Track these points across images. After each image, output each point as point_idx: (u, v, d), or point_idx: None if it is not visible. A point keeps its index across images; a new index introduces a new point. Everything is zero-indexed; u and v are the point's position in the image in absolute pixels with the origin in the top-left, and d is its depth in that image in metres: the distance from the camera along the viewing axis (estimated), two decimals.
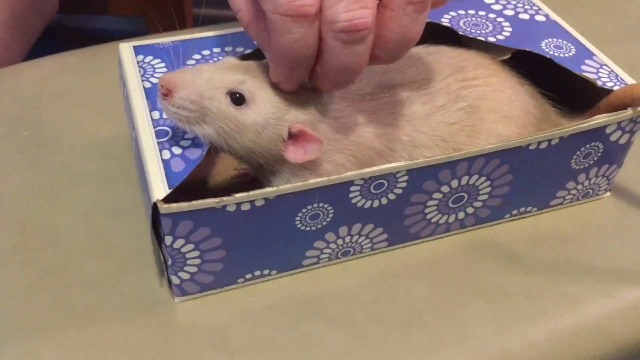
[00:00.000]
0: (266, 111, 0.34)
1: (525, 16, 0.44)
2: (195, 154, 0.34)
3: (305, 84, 0.35)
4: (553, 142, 0.37)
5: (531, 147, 0.37)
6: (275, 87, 0.34)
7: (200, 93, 0.33)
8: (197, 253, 0.34)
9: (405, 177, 0.35)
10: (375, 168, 0.34)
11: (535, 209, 0.42)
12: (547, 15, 0.45)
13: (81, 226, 0.41)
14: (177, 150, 0.34)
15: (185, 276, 0.35)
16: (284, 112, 0.34)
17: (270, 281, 0.38)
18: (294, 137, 0.34)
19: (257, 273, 0.37)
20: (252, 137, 0.34)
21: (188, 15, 0.82)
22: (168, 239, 0.33)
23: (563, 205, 0.43)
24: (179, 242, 0.33)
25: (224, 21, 0.51)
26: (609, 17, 0.60)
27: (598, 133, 0.38)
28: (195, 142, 0.35)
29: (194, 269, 0.35)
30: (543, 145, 0.37)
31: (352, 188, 0.34)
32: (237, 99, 0.34)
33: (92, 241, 0.40)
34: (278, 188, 0.33)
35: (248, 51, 0.40)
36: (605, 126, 0.38)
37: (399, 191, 0.36)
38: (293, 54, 0.31)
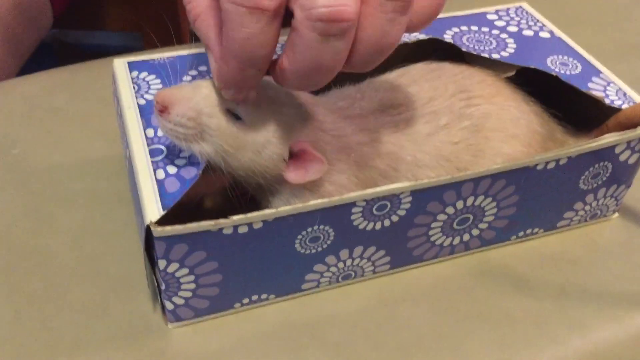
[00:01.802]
0: (266, 129, 0.33)
1: (530, 32, 0.44)
2: (191, 173, 0.33)
3: (306, 100, 0.34)
4: (561, 162, 0.36)
5: (539, 167, 0.36)
6: (277, 104, 0.33)
7: (199, 109, 0.32)
8: (192, 277, 0.33)
9: (409, 198, 0.34)
10: (378, 189, 0.33)
11: (541, 230, 0.41)
12: (551, 32, 0.44)
13: (70, 249, 0.39)
14: (172, 170, 0.33)
15: (180, 301, 0.34)
16: (285, 131, 0.33)
17: (268, 306, 0.37)
18: (295, 156, 0.33)
19: (255, 298, 0.36)
20: (252, 156, 0.32)
21: (185, 31, 0.82)
22: (162, 263, 0.32)
23: (570, 227, 0.42)
24: (173, 266, 0.32)
25: None
26: (610, 34, 0.59)
27: (607, 153, 0.37)
28: (191, 161, 0.33)
29: (189, 294, 0.34)
30: (551, 165, 0.36)
31: (354, 209, 0.33)
32: (237, 116, 0.32)
33: (81, 265, 0.38)
34: (277, 210, 0.31)
35: None
36: (615, 146, 0.37)
37: (402, 212, 0.35)
38: (246, 51, 0.28)
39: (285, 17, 0.28)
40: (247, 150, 0.32)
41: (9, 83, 0.53)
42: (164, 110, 0.32)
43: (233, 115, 0.32)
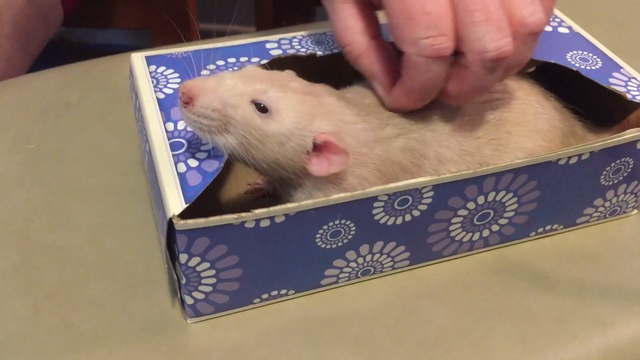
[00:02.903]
0: (290, 121, 0.32)
1: (548, 28, 0.43)
2: (213, 166, 0.32)
3: (330, 93, 0.34)
4: (583, 157, 0.36)
5: (561, 162, 0.36)
6: (300, 96, 0.33)
7: (224, 101, 0.32)
8: (212, 272, 0.33)
9: (431, 193, 0.34)
10: (400, 183, 0.33)
11: (561, 226, 0.40)
12: (570, 27, 0.44)
13: (88, 244, 0.39)
14: (193, 163, 0.33)
15: (200, 296, 0.34)
16: (309, 123, 0.33)
17: (287, 301, 0.36)
18: (318, 148, 0.33)
19: (274, 293, 0.36)
20: (276, 147, 0.32)
21: (193, 29, 0.81)
22: (183, 257, 0.31)
23: (590, 223, 0.41)
24: (194, 260, 0.32)
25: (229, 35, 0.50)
26: (627, 31, 0.59)
27: (629, 148, 0.37)
28: (212, 154, 0.33)
29: (209, 289, 0.33)
30: (573, 161, 0.36)
31: (376, 204, 0.33)
32: (262, 108, 0.32)
33: (99, 259, 0.38)
34: (299, 204, 0.31)
35: (264, 61, 0.39)
36: (637, 141, 0.37)
37: (423, 207, 0.34)
38: (428, 87, 0.34)
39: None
40: (271, 141, 0.32)
41: (23, 79, 0.53)
42: (189, 101, 0.32)
43: (257, 106, 0.32)
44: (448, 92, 0.34)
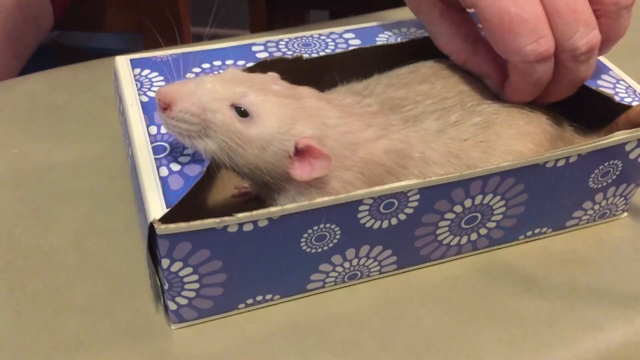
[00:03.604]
0: (271, 125, 0.32)
1: None
2: (195, 170, 0.32)
3: (312, 96, 0.33)
4: (571, 160, 0.36)
5: (548, 165, 0.35)
6: (281, 99, 0.32)
7: (203, 105, 0.31)
8: (195, 277, 0.32)
9: (417, 196, 0.33)
10: (385, 186, 0.32)
11: (550, 230, 0.40)
12: None
13: (72, 248, 0.39)
14: (175, 167, 0.32)
15: (183, 301, 0.33)
16: (290, 127, 0.32)
17: (273, 306, 0.36)
18: (300, 152, 0.32)
19: (259, 298, 0.35)
20: (257, 152, 0.32)
21: (186, 32, 0.81)
22: (165, 262, 0.31)
23: (579, 226, 0.41)
24: (177, 265, 0.31)
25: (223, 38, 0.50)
26: None
27: (617, 150, 0.37)
28: (195, 158, 0.33)
29: (192, 294, 0.33)
30: (561, 163, 0.36)
31: (361, 207, 0.33)
32: (242, 112, 0.32)
33: (83, 264, 0.38)
34: (283, 208, 0.31)
35: (250, 64, 0.39)
36: (625, 143, 0.36)
37: (409, 211, 0.34)
38: (538, 84, 0.36)
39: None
40: (252, 146, 0.32)
41: (9, 82, 0.52)
42: (166, 107, 0.31)
43: (238, 110, 0.32)
44: (548, 89, 0.37)
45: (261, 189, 0.35)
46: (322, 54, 0.40)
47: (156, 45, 0.42)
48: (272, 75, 0.34)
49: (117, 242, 0.39)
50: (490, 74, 0.38)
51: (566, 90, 0.37)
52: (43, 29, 0.67)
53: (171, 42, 0.44)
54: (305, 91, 0.34)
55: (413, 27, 0.43)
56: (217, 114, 0.31)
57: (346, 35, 0.42)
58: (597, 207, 0.40)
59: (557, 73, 0.36)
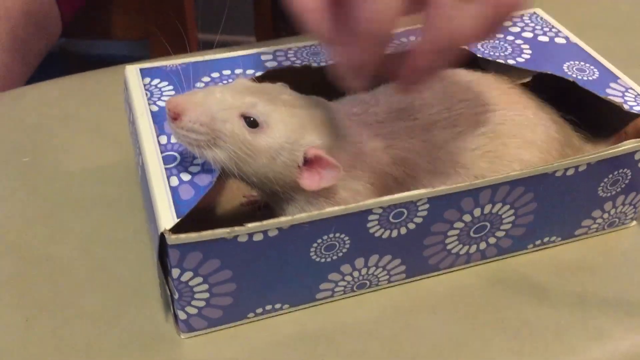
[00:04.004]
0: (280, 135, 0.32)
1: (545, 38, 0.43)
2: (205, 180, 0.32)
3: (321, 106, 0.34)
4: (580, 169, 0.36)
5: (558, 174, 0.35)
6: (290, 109, 0.33)
7: (212, 115, 0.31)
8: (205, 287, 0.32)
9: (426, 206, 0.33)
10: (395, 196, 0.32)
11: (559, 238, 0.40)
12: (567, 38, 0.43)
13: (82, 256, 0.39)
14: (185, 177, 0.32)
15: (193, 311, 0.33)
16: (299, 137, 0.32)
17: (282, 316, 0.36)
18: (309, 162, 0.32)
19: (268, 307, 0.35)
20: (266, 162, 0.32)
21: (192, 39, 0.81)
22: (175, 272, 0.31)
23: (588, 235, 0.41)
24: (187, 275, 0.31)
25: (230, 45, 0.50)
26: (625, 40, 0.59)
27: (626, 159, 0.37)
28: (205, 168, 0.33)
29: (202, 304, 0.33)
30: (570, 172, 0.36)
31: (371, 217, 0.33)
32: (251, 122, 0.32)
33: (93, 272, 0.38)
34: (293, 217, 0.31)
35: (259, 73, 0.39)
36: (634, 152, 0.36)
37: (419, 220, 0.34)
38: (373, 25, 0.28)
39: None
40: (261, 156, 0.32)
41: (19, 91, 0.53)
42: (176, 117, 0.31)
43: (247, 120, 0.32)
44: (417, 43, 0.30)
45: (270, 199, 0.35)
46: (330, 63, 0.40)
47: (163, 52, 0.42)
48: (281, 85, 0.35)
49: (127, 251, 0.39)
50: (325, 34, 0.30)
51: (438, 51, 0.29)
52: (51, 36, 0.67)
53: (178, 48, 0.44)
54: (314, 101, 0.34)
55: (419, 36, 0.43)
56: (227, 123, 0.31)
57: None
58: (606, 215, 0.40)
59: (430, 17, 0.28)
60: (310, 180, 0.32)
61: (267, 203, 0.40)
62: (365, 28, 0.28)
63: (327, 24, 0.30)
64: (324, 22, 0.30)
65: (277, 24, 0.90)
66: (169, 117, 0.32)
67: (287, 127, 0.32)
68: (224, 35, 0.43)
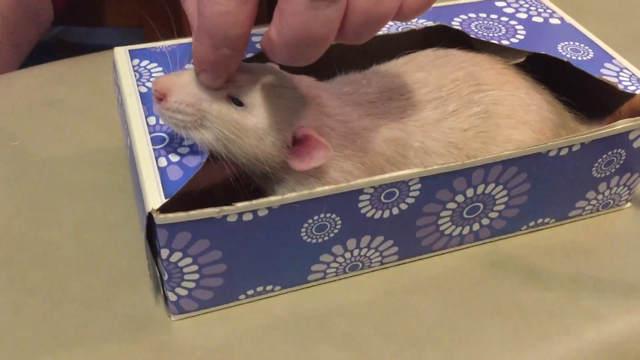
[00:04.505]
0: (268, 115, 0.32)
1: (539, 19, 0.43)
2: (194, 161, 0.32)
3: (310, 85, 0.33)
4: (574, 149, 0.35)
5: (551, 154, 0.35)
6: (279, 89, 0.32)
7: (198, 95, 0.31)
8: (195, 267, 0.32)
9: (418, 186, 0.33)
10: (386, 175, 0.32)
11: (553, 220, 0.40)
12: (561, 18, 0.43)
13: (71, 240, 0.38)
14: (174, 158, 0.32)
15: (183, 292, 0.33)
16: (288, 116, 0.32)
17: (274, 298, 0.36)
18: (298, 142, 0.32)
19: (260, 289, 0.35)
20: (254, 142, 0.32)
21: (186, 26, 0.81)
22: (164, 252, 0.31)
23: (582, 217, 0.41)
24: (176, 256, 0.31)
25: None
26: (620, 23, 0.58)
27: (621, 139, 0.36)
28: (194, 149, 0.32)
29: (192, 285, 0.33)
30: (564, 152, 0.35)
31: (362, 197, 0.32)
32: (238, 102, 0.31)
33: (82, 256, 0.38)
34: (283, 197, 0.31)
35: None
36: (629, 132, 0.36)
37: (411, 200, 0.34)
38: (219, 29, 0.27)
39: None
40: (249, 136, 0.31)
41: (8, 76, 0.52)
42: (162, 97, 0.31)
43: (234, 100, 0.31)
44: (270, 38, 0.27)
45: (260, 180, 0.34)
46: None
47: (157, 40, 0.41)
48: (270, 65, 0.34)
49: (116, 235, 0.39)
50: (194, 26, 0.30)
51: (289, 47, 0.27)
52: (43, 23, 0.66)
53: (172, 37, 0.43)
54: (304, 80, 0.34)
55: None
56: (213, 104, 0.31)
57: None
58: (600, 197, 0.40)
59: (281, 10, 0.26)
60: (300, 161, 0.32)
61: (258, 185, 0.40)
62: (206, 28, 0.27)
63: (195, 15, 0.29)
64: (193, 12, 0.29)
65: (272, 12, 0.90)
66: (154, 98, 0.31)
67: (275, 107, 0.32)
68: None
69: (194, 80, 0.31)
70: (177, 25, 0.58)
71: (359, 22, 0.27)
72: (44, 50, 0.67)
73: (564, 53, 0.39)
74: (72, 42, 1.14)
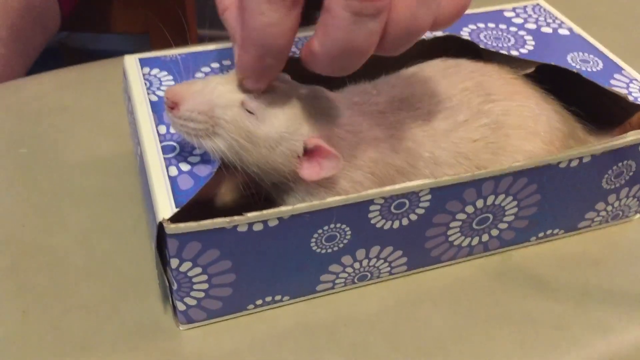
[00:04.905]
0: (280, 125, 0.32)
1: (548, 30, 0.43)
2: (205, 171, 0.32)
3: (321, 95, 0.33)
4: (585, 160, 0.35)
5: (561, 165, 0.35)
6: (291, 99, 0.32)
7: (211, 103, 0.31)
8: (204, 277, 0.32)
9: (429, 197, 0.33)
10: (397, 186, 0.32)
11: (562, 231, 0.40)
12: (570, 29, 0.43)
13: (80, 248, 0.38)
14: (185, 167, 0.32)
15: (192, 302, 0.33)
16: (299, 126, 0.32)
17: (282, 308, 0.36)
18: (309, 152, 0.32)
19: (268, 299, 0.35)
20: (265, 152, 0.32)
21: (192, 33, 0.81)
22: (174, 262, 0.31)
23: (591, 228, 0.41)
24: (186, 265, 0.31)
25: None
26: (628, 32, 0.58)
27: (631, 151, 0.36)
28: (205, 158, 0.32)
29: (201, 295, 0.33)
30: (574, 163, 0.35)
31: (372, 207, 0.32)
32: (250, 111, 0.31)
33: (91, 264, 0.38)
34: (293, 207, 0.31)
35: None
36: (639, 144, 0.36)
37: (421, 211, 0.34)
38: (264, 39, 0.28)
39: (306, 14, 0.28)
40: (261, 146, 0.31)
41: (17, 82, 0.52)
42: (174, 106, 0.31)
43: (246, 110, 0.31)
44: (313, 51, 0.28)
45: (271, 190, 0.34)
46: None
47: (162, 47, 0.41)
48: (281, 75, 0.34)
49: (125, 242, 0.39)
50: (237, 36, 0.31)
51: (333, 59, 0.28)
52: (50, 29, 0.66)
53: (178, 43, 0.44)
54: (315, 91, 0.34)
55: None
56: (227, 111, 0.31)
57: None
58: (609, 208, 0.39)
59: (325, 25, 0.27)
60: (310, 171, 0.32)
61: (267, 195, 0.40)
62: (251, 39, 0.28)
63: (236, 26, 0.31)
64: (234, 23, 0.31)
65: None
66: (166, 107, 0.31)
67: (286, 117, 0.32)
68: (223, 32, 0.43)
69: (206, 88, 0.31)
70: (183, 33, 0.59)
71: (398, 35, 0.28)
72: (49, 56, 0.67)
73: (573, 64, 0.39)
74: (78, 47, 1.14)
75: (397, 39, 0.28)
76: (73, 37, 1.11)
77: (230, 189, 0.37)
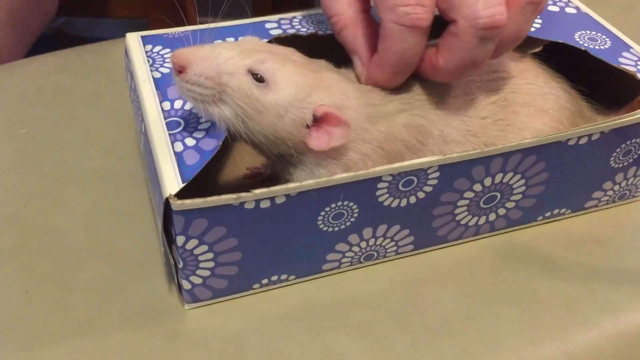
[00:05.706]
0: (289, 92, 0.31)
1: (555, 8, 0.42)
2: (210, 144, 0.31)
3: (333, 68, 0.33)
4: (593, 138, 0.35)
5: (570, 143, 0.35)
6: (300, 69, 0.32)
7: (219, 69, 0.30)
8: (210, 255, 0.31)
9: (437, 174, 0.33)
10: (405, 163, 0.31)
11: (569, 211, 0.39)
12: (577, 8, 0.43)
13: (83, 228, 0.38)
14: (190, 142, 0.31)
15: (197, 281, 0.33)
16: (308, 94, 0.31)
17: (288, 287, 0.35)
18: (318, 122, 0.31)
19: (274, 278, 0.35)
20: (274, 120, 0.31)
21: (191, 19, 0.80)
22: (180, 239, 0.30)
23: (598, 208, 0.40)
24: (192, 243, 0.31)
25: None
26: (636, 13, 0.58)
27: (639, 129, 0.36)
28: (210, 133, 0.32)
29: (207, 273, 0.32)
30: (583, 141, 0.35)
31: (380, 185, 0.32)
32: (259, 78, 0.31)
33: (94, 244, 0.37)
34: (301, 184, 0.30)
35: (265, 41, 0.38)
36: None
37: (429, 189, 0.33)
38: (402, 61, 0.33)
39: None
40: (269, 113, 0.31)
41: (16, 64, 0.52)
42: (181, 70, 0.30)
43: (254, 76, 0.31)
44: (437, 65, 0.33)
45: (277, 162, 0.34)
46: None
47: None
48: (290, 49, 0.34)
49: (128, 223, 0.38)
50: (361, 52, 0.35)
51: (454, 73, 0.33)
52: (47, 13, 0.66)
53: (177, 26, 0.43)
54: (324, 64, 0.33)
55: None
56: (234, 78, 0.30)
57: None
58: (617, 187, 0.39)
59: (452, 47, 0.32)
60: (318, 140, 0.31)
61: (270, 175, 0.39)
62: (390, 60, 0.33)
63: (365, 49, 0.34)
64: (354, 40, 0.35)
65: (277, 6, 0.89)
66: (173, 70, 0.31)
67: (295, 85, 0.31)
68: (222, 19, 0.42)
69: (214, 53, 0.31)
70: (181, 19, 0.58)
71: (504, 47, 0.34)
72: (46, 43, 0.67)
73: (581, 42, 0.39)
74: (74, 34, 1.13)
75: (504, 49, 0.34)
76: (69, 24, 1.10)
77: (231, 170, 0.36)
